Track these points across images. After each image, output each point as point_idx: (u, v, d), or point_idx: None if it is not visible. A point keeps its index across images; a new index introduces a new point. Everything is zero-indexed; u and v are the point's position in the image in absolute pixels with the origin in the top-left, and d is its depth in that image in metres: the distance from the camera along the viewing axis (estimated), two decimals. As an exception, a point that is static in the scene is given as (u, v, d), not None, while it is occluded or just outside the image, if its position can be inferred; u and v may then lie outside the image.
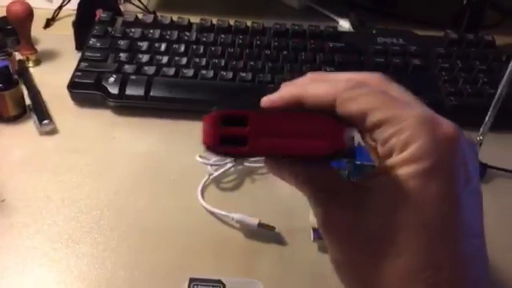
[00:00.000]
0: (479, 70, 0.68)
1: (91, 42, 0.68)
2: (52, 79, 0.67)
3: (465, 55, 0.70)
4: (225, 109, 0.27)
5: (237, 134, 0.26)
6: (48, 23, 0.80)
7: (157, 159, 0.57)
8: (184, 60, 0.66)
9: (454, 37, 0.73)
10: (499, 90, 0.52)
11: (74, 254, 0.46)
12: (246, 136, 0.26)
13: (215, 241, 0.48)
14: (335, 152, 0.27)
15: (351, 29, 0.83)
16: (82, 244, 0.47)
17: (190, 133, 0.60)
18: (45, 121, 0.59)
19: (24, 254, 0.46)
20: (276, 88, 0.32)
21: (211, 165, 0.54)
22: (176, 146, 0.59)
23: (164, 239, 0.48)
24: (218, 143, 0.26)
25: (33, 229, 0.48)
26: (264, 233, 0.48)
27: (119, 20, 0.72)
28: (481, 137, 0.54)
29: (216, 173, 0.54)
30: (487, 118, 0.53)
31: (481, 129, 0.54)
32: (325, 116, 0.27)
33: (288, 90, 0.30)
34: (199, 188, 0.52)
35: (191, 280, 0.42)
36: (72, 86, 0.64)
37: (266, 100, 0.30)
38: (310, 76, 0.31)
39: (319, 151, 0.27)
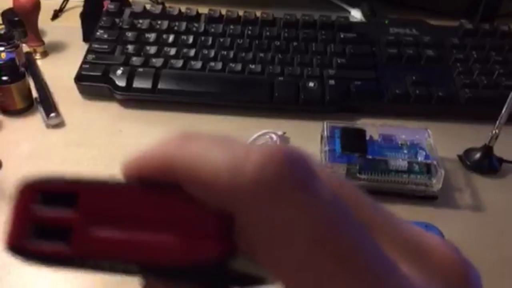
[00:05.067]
0: (495, 61, 0.66)
1: (98, 33, 0.67)
2: (59, 71, 0.66)
3: (480, 46, 0.68)
4: (43, 180, 0.17)
5: (59, 221, 0.16)
6: (56, 14, 0.79)
7: (164, 153, 0.56)
8: (192, 52, 0.65)
9: (469, 27, 0.71)
10: (516, 83, 0.50)
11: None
12: (72, 225, 0.16)
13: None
14: (223, 256, 0.16)
15: (363, 20, 0.81)
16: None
17: (199, 126, 0.59)
18: (52, 114, 0.59)
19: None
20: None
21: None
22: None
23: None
24: (26, 236, 0.16)
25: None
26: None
27: (127, 11, 0.71)
28: (496, 131, 0.53)
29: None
30: (503, 110, 0.52)
31: (497, 122, 0.52)
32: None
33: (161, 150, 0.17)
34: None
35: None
36: (79, 78, 0.63)
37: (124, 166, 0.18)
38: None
39: (200, 255, 0.16)
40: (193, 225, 0.16)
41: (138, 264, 0.16)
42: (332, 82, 0.63)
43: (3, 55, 0.58)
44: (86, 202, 0.16)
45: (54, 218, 0.16)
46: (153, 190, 0.16)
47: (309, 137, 0.57)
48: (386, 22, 0.74)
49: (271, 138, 0.57)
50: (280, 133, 0.57)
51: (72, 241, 0.16)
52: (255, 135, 0.57)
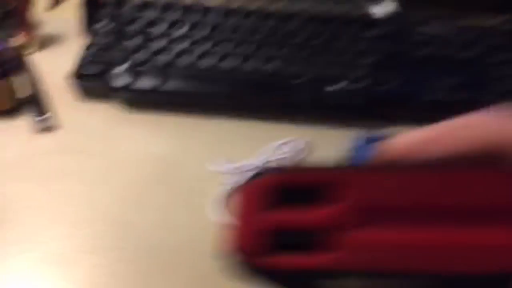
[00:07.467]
0: (540, 64, 0.60)
1: (97, 27, 0.62)
2: (53, 68, 0.61)
3: (523, 46, 0.62)
4: (289, 170, 0.13)
5: (322, 224, 0.13)
6: (52, 5, 0.74)
7: (170, 164, 0.51)
8: (203, 48, 0.59)
9: (509, 26, 0.65)
10: None
11: (66, 279, 0.40)
12: (342, 226, 0.13)
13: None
14: None
15: (391, 16, 0.76)
16: (77, 267, 0.41)
17: (210, 132, 0.54)
18: (43, 116, 0.54)
19: (6, 278, 0.40)
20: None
21: (233, 173, 0.47)
22: (193, 149, 0.52)
23: (176, 261, 0.42)
24: (267, 248, 0.13)
25: (19, 247, 0.42)
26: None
27: (129, 2, 0.65)
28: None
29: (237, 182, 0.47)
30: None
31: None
32: None
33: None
34: (218, 199, 0.46)
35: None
36: (76, 76, 0.58)
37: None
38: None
39: None
40: None
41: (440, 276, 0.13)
42: (356, 85, 0.57)
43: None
44: (356, 193, 0.13)
45: (305, 219, 0.12)
46: (458, 173, 0.13)
47: (332, 145, 0.53)
48: (416, 19, 0.68)
49: (296, 146, 0.53)
50: (305, 141, 0.53)
51: (341, 248, 0.12)
52: (280, 142, 0.53)
